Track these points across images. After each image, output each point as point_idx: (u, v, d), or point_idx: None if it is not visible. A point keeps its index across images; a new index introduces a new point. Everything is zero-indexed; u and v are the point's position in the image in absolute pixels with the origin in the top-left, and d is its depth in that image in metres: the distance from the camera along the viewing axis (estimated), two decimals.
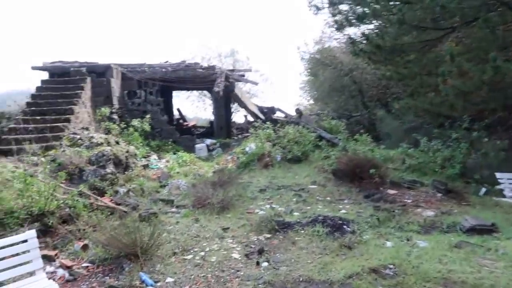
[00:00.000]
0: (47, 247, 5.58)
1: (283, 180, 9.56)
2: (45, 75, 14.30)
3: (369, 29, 12.01)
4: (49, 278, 4.80)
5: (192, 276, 4.57)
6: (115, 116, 13.04)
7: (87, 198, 6.88)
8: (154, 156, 11.81)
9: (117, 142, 10.23)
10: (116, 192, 7.80)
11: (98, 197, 7.06)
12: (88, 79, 13.03)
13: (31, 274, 3.85)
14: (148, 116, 13.09)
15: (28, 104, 11.60)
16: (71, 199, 6.33)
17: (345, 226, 5.83)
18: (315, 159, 11.45)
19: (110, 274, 4.79)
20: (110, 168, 8.49)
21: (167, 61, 17.26)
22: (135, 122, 12.27)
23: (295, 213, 6.92)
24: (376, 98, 18.67)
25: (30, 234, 3.82)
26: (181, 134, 16.10)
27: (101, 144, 9.39)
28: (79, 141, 9.40)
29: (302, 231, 5.80)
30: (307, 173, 10.10)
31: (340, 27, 12.45)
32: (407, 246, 5.08)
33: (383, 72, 12.15)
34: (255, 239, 5.71)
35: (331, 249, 5.11)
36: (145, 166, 10.24)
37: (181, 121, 21.25)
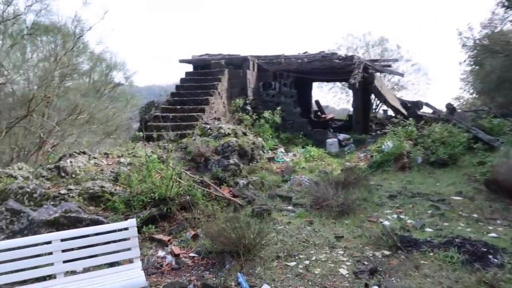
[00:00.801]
0: (164, 231, 5.86)
1: (420, 187, 8.28)
2: (190, 68, 15.66)
3: None
4: (159, 263, 5.01)
5: (290, 287, 4.13)
6: (248, 107, 13.41)
7: (207, 187, 7.04)
8: (281, 149, 11.69)
9: (245, 134, 10.40)
10: (236, 183, 7.84)
11: (217, 188, 7.16)
12: (226, 71, 13.73)
13: (130, 261, 3.95)
14: (279, 108, 13.02)
15: (172, 94, 12.87)
16: (190, 187, 6.53)
17: (490, 256, 4.54)
18: (465, 164, 9.60)
19: (211, 269, 4.72)
20: (234, 159, 8.62)
21: (305, 52, 16.98)
22: (266, 114, 12.33)
23: (427, 229, 5.77)
24: None
25: (131, 222, 3.93)
26: (317, 127, 15.67)
27: (228, 134, 9.66)
28: (209, 131, 9.85)
29: (431, 254, 4.76)
30: (452, 181, 8.53)
31: None
32: None
33: None
34: (370, 255, 4.92)
35: (466, 284, 4.02)
36: (271, 159, 10.16)
37: (319, 113, 20.89)
